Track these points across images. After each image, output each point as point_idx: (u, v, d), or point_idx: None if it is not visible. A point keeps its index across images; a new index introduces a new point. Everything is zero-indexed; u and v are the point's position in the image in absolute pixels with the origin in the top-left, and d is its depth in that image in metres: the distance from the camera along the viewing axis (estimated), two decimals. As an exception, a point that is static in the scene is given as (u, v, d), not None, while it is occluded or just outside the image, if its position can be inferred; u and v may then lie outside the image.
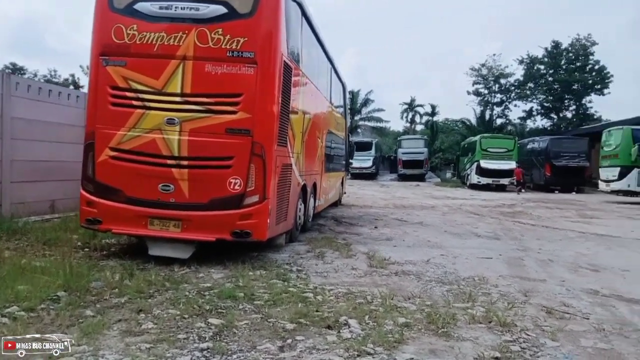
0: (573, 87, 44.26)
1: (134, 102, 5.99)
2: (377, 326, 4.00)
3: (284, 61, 6.27)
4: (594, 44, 43.98)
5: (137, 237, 6.56)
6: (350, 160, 17.82)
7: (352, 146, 17.48)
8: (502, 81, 48.25)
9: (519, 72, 47.18)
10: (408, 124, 55.55)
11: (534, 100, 47.04)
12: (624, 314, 4.54)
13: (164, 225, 5.95)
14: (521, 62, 46.76)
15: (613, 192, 21.58)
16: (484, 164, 27.64)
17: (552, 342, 3.83)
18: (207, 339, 3.61)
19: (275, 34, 6.05)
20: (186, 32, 5.90)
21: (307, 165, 8.58)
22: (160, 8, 5.97)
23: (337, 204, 14.46)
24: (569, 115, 46.23)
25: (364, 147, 35.06)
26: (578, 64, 44.09)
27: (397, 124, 57.61)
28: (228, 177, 5.88)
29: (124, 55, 6.00)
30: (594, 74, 43.81)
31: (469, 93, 49.79)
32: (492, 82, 48.74)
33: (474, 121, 48.78)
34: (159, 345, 3.44)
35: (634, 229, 11.17)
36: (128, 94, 6.01)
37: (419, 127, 54.45)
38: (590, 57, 44.01)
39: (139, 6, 6.00)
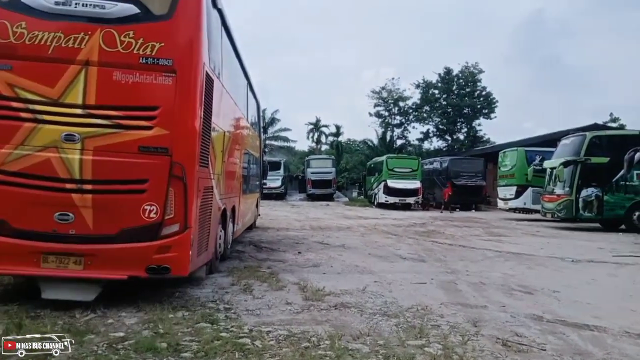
0: (464, 111, 47.78)
1: (22, 114, 5.00)
2: (334, 377, 3.45)
3: (206, 72, 5.60)
4: (480, 71, 48.04)
5: (26, 278, 5.44)
6: (264, 181, 17.19)
7: (265, 166, 16.88)
8: (401, 104, 50.65)
9: (416, 96, 49.99)
10: (314, 144, 56.15)
11: (430, 123, 50.04)
12: (577, 342, 4.38)
13: (61, 263, 4.95)
14: (417, 86, 49.66)
15: (511, 209, 23.14)
16: (391, 183, 28.26)
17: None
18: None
19: (197, 40, 5.37)
20: (89, 33, 5.05)
21: (227, 188, 7.84)
22: (57, 3, 5.08)
23: (251, 227, 13.70)
24: (461, 137, 49.61)
25: (273, 166, 34.50)
26: (467, 89, 47.70)
27: (303, 144, 58.02)
28: (142, 204, 5.06)
29: (9, 57, 5.01)
30: (481, 99, 47.59)
31: (370, 115, 51.74)
32: (391, 105, 50.93)
33: (376, 142, 50.50)
34: None
35: (542, 247, 11.57)
36: (14, 104, 5.00)
37: (324, 147, 55.24)
38: (478, 83, 47.87)
39: (28, 0, 5.03)
